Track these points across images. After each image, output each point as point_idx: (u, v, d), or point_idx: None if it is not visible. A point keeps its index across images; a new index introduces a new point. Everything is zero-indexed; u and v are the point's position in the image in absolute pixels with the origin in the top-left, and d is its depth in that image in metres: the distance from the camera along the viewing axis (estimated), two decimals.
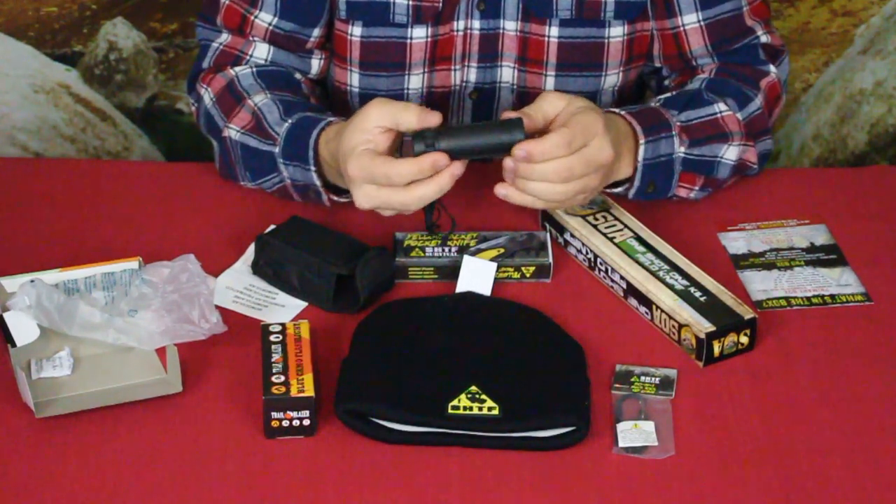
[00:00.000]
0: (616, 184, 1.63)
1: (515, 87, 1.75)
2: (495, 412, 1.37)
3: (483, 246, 1.59)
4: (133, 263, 1.56)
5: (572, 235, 1.61)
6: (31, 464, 1.35)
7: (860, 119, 2.41)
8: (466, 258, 1.56)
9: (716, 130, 1.66)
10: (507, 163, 1.49)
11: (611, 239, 1.58)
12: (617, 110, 1.64)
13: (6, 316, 1.46)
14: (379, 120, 1.50)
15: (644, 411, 1.41)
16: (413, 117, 1.49)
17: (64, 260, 1.57)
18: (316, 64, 1.76)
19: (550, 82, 1.75)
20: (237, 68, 1.73)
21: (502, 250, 1.59)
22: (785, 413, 1.41)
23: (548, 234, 1.61)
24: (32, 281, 1.48)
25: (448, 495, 1.32)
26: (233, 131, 1.68)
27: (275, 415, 1.36)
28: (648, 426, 1.39)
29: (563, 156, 1.48)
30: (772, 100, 1.74)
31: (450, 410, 1.37)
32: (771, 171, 1.78)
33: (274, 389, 1.37)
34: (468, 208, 1.68)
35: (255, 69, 1.72)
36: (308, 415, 1.36)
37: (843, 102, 2.40)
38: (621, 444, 1.37)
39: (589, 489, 1.33)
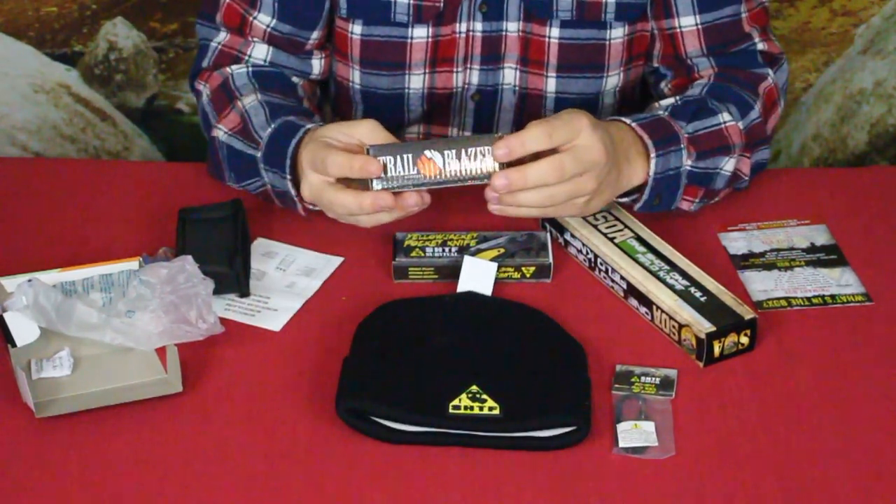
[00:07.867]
0: (624, 194, 1.60)
1: (517, 88, 1.75)
2: (496, 412, 1.37)
3: (483, 246, 1.59)
4: (133, 263, 1.55)
5: (572, 235, 1.61)
6: (31, 464, 1.35)
7: (860, 119, 2.41)
8: (467, 258, 1.56)
9: (720, 142, 1.64)
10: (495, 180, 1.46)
11: (611, 239, 1.58)
12: (627, 120, 1.60)
13: (6, 316, 1.46)
14: (365, 136, 1.50)
15: (644, 411, 1.40)
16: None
17: (63, 260, 1.57)
18: (317, 64, 1.75)
19: (552, 83, 1.74)
20: (234, 66, 1.73)
21: (502, 250, 1.58)
22: (785, 413, 1.41)
23: (548, 234, 1.61)
24: (30, 280, 1.48)
25: (448, 495, 1.32)
26: (220, 132, 1.68)
27: None
28: (649, 426, 1.38)
29: (549, 153, 1.46)
30: (769, 105, 1.72)
31: (450, 410, 1.37)
32: (771, 171, 1.77)
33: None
34: (468, 208, 1.68)
35: (250, 69, 1.72)
36: None
37: (843, 102, 2.40)
38: (621, 444, 1.37)
39: (589, 489, 1.33)
